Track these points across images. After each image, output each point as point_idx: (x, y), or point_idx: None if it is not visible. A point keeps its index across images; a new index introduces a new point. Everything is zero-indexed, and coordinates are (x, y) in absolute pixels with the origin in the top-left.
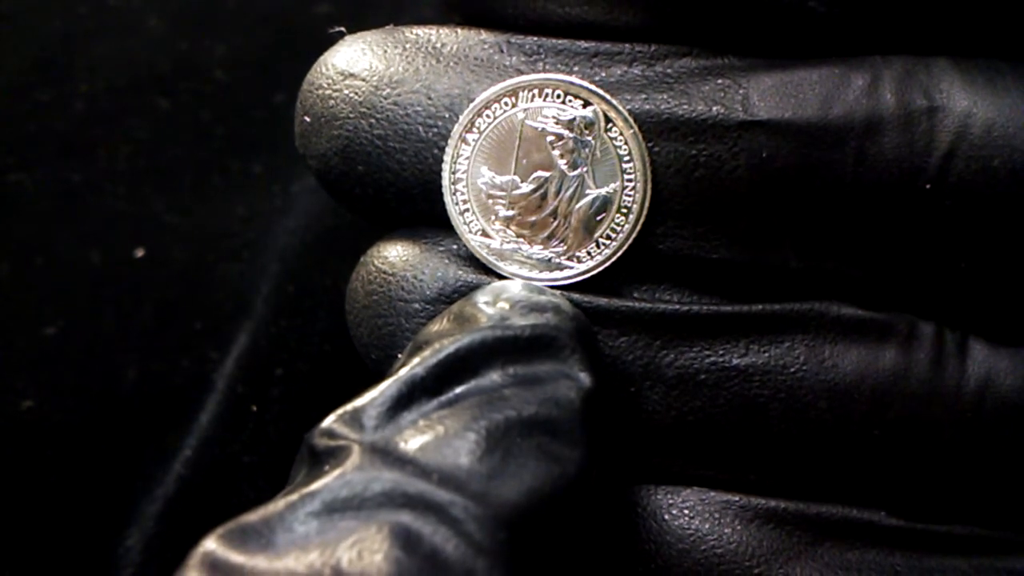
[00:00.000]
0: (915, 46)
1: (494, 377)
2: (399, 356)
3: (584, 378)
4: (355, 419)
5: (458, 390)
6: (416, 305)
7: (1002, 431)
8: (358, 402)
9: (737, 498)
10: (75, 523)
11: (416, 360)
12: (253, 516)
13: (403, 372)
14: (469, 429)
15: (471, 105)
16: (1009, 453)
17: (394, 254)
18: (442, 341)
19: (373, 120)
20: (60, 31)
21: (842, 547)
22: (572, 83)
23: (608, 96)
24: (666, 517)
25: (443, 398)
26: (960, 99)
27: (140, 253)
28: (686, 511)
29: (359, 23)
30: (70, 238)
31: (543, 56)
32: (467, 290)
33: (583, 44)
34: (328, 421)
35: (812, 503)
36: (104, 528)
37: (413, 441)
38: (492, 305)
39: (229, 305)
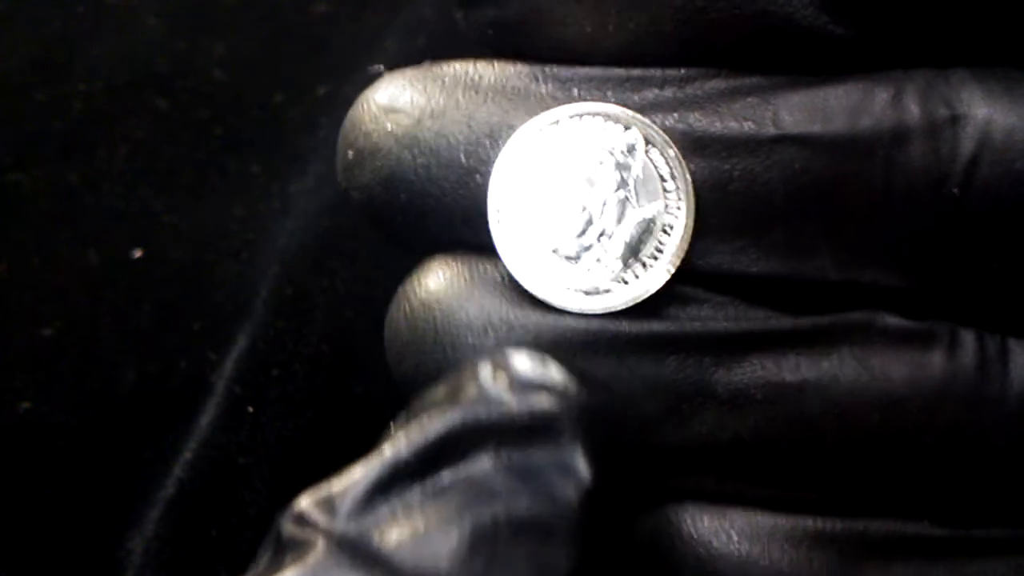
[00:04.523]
0: (933, 61)
1: (484, 464)
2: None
3: (584, 472)
4: (328, 502)
5: (444, 477)
6: (463, 339)
7: None
8: (336, 483)
9: (784, 520)
10: (75, 527)
11: (402, 439)
12: None
13: (387, 451)
14: (453, 525)
15: (514, 135)
16: None
17: (437, 284)
18: (431, 416)
19: (416, 150)
20: (58, 30)
21: (888, 561)
22: (611, 109)
23: (646, 119)
24: (715, 543)
25: (427, 486)
26: (980, 107)
27: (138, 253)
28: (735, 536)
29: (358, 21)
30: (68, 238)
31: (576, 83)
32: (514, 324)
33: (615, 71)
34: (302, 501)
35: (859, 519)
36: (105, 532)
37: (389, 535)
38: (491, 379)
39: (228, 306)
